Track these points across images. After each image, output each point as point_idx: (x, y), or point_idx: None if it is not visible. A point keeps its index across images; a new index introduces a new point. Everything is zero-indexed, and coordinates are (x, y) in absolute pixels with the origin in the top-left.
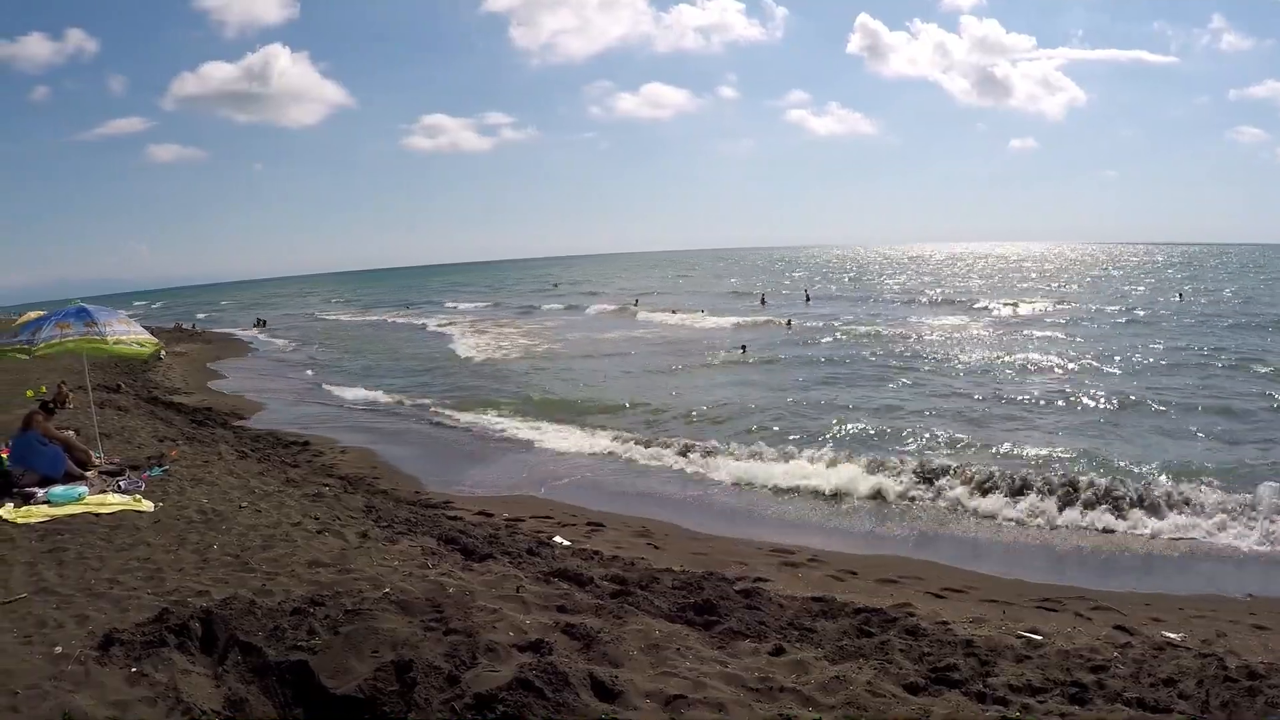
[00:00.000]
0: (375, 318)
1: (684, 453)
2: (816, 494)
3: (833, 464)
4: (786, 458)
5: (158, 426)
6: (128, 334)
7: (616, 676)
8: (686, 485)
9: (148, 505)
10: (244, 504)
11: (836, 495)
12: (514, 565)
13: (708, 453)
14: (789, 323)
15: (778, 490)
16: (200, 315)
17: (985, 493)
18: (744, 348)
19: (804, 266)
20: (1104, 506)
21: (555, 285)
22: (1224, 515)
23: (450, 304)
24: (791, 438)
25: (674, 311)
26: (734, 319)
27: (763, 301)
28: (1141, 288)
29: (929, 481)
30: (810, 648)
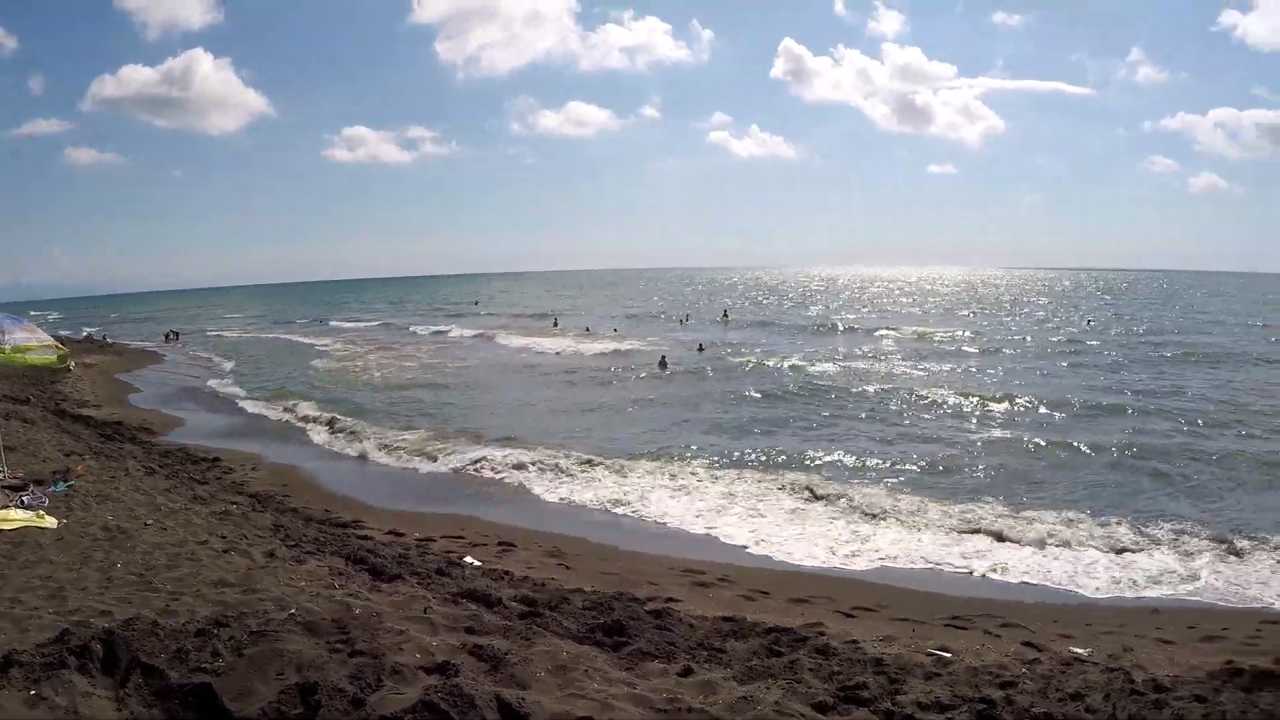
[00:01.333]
0: (274, 336)
1: (585, 472)
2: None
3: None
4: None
5: (65, 440)
6: (28, 341)
7: (524, 698)
8: (589, 505)
9: (51, 522)
10: (150, 521)
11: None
12: (422, 586)
13: (616, 470)
14: (700, 347)
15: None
16: (87, 330)
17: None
18: (663, 360)
19: (725, 288)
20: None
21: (475, 303)
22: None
23: (353, 322)
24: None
25: (587, 329)
26: (646, 341)
27: (684, 322)
28: (1047, 314)
29: (836, 502)
30: (719, 668)
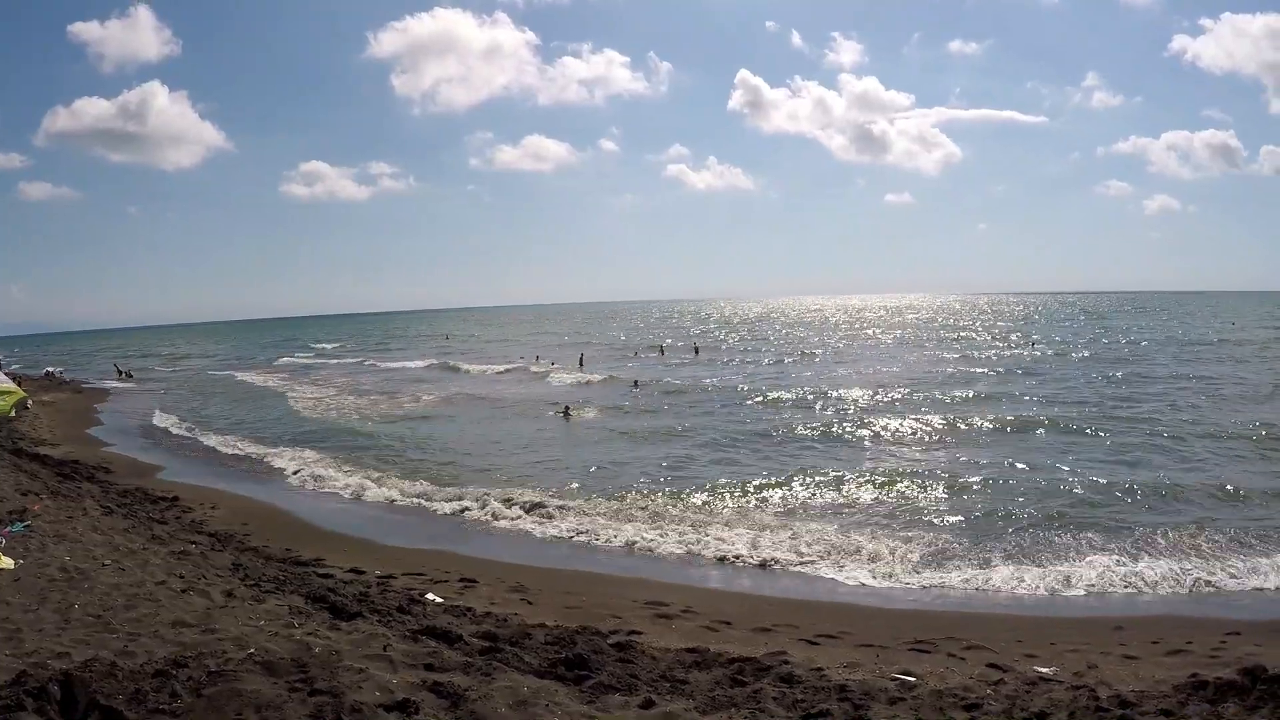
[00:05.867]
0: (230, 373)
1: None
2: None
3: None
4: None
5: (21, 479)
6: None
7: None
8: (552, 540)
9: (8, 562)
10: (108, 562)
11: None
12: (383, 624)
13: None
14: (635, 383)
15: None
16: (48, 369)
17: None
18: (566, 410)
19: (691, 320)
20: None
21: (447, 338)
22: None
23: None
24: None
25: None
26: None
27: (662, 352)
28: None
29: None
30: (681, 699)
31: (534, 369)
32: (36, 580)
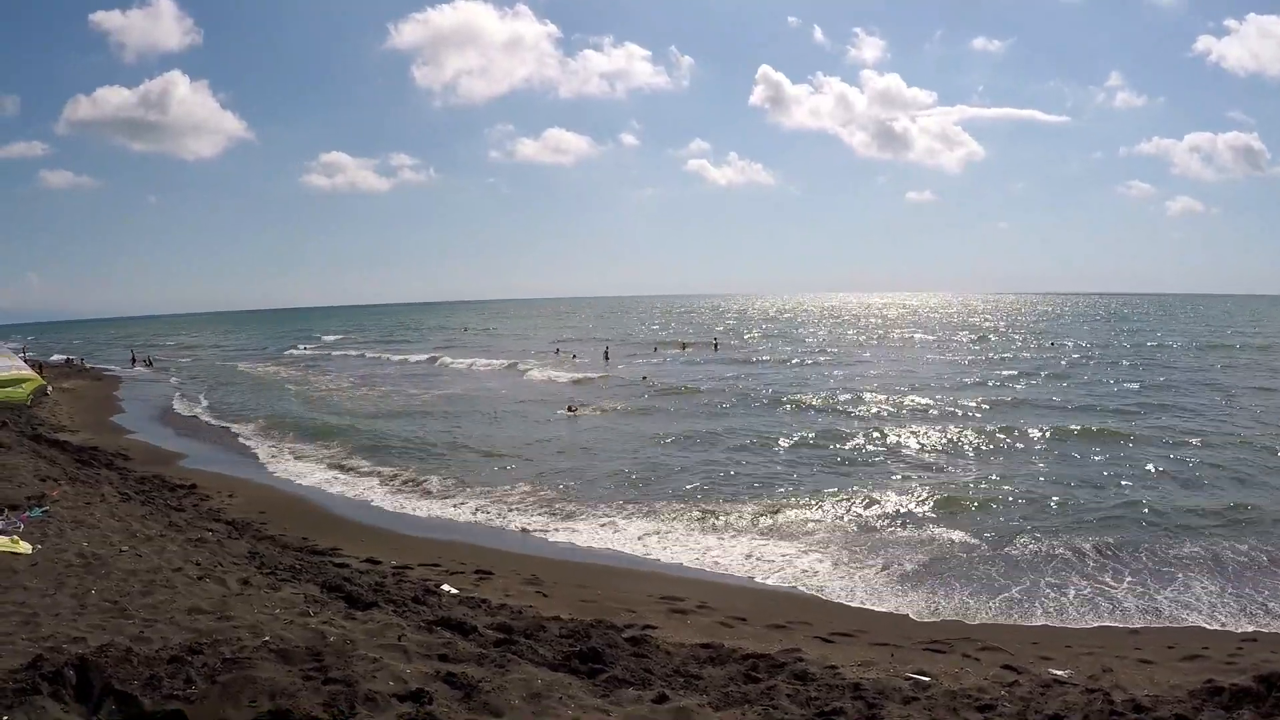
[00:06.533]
0: (246, 362)
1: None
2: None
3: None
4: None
5: (40, 465)
6: (5, 371)
7: None
8: (569, 536)
9: (26, 547)
10: (125, 548)
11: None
12: (398, 613)
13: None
14: (644, 378)
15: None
16: (64, 355)
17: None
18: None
19: (710, 315)
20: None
21: (465, 330)
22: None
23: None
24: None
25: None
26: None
27: (683, 348)
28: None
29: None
30: (695, 695)
31: (534, 364)
32: (54, 565)
